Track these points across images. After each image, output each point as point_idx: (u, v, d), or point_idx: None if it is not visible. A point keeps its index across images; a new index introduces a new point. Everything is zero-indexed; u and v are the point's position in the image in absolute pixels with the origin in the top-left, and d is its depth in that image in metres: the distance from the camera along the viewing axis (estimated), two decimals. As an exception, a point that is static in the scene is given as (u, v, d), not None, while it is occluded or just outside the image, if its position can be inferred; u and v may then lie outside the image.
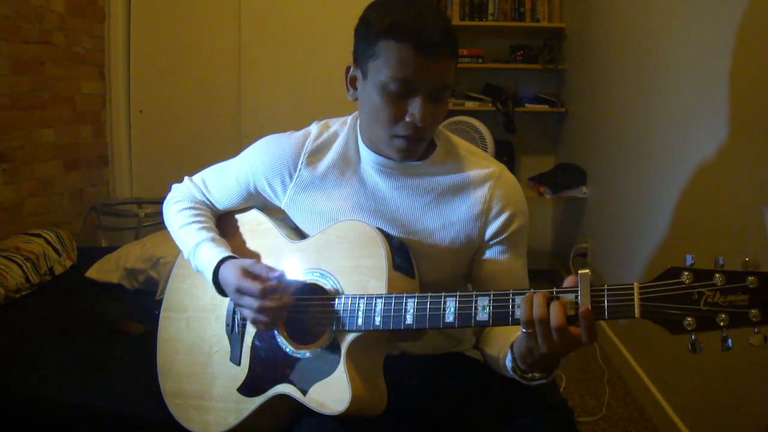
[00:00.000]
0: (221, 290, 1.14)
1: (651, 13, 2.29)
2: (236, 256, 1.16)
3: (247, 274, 1.08)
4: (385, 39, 0.98)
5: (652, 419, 2.12)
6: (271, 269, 1.08)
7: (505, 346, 1.01)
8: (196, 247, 1.18)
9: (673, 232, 2.06)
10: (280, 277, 1.08)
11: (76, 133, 3.04)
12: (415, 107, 1.00)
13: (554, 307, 0.87)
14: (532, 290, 0.90)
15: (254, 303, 1.06)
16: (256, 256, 1.21)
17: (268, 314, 1.06)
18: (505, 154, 3.53)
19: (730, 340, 0.79)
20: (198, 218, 1.23)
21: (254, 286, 1.05)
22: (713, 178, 1.78)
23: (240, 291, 1.08)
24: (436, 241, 1.13)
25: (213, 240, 1.18)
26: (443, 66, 0.99)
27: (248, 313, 1.08)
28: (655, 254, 2.19)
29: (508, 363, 1.00)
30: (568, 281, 0.88)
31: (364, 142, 1.15)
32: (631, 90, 2.51)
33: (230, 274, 1.10)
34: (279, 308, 1.06)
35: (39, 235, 2.32)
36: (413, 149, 1.07)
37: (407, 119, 1.02)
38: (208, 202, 1.29)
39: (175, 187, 1.33)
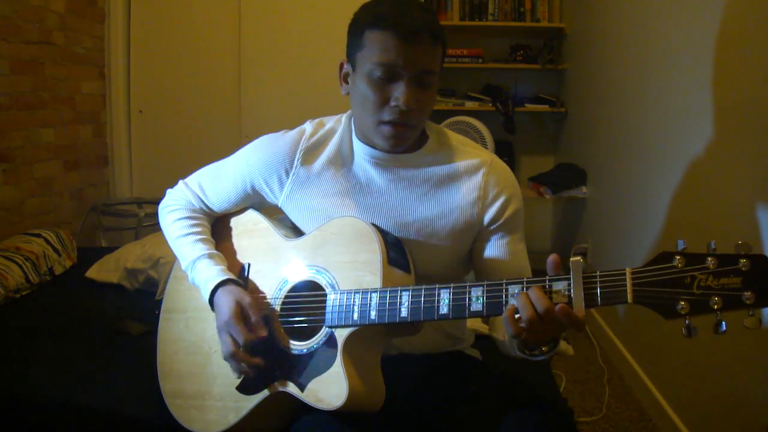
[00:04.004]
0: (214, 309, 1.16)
1: (650, 13, 2.30)
2: (235, 278, 1.17)
3: (240, 315, 1.09)
4: (370, 29, 1.04)
5: (652, 419, 2.12)
6: (257, 321, 1.09)
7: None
8: (194, 263, 1.19)
9: (672, 232, 2.06)
10: (263, 338, 1.08)
11: (76, 133, 3.04)
12: (399, 91, 1.04)
13: (533, 294, 0.89)
14: (524, 279, 0.92)
15: (231, 348, 1.09)
16: (252, 256, 1.22)
17: (238, 362, 1.09)
18: (505, 154, 3.53)
19: (724, 324, 0.79)
20: (195, 229, 1.24)
21: (240, 336, 1.07)
22: (713, 177, 1.78)
23: (227, 328, 1.10)
24: (436, 229, 1.14)
25: (211, 257, 1.19)
26: (424, 51, 1.03)
27: (224, 350, 1.11)
28: (655, 253, 2.19)
29: (515, 348, 1.02)
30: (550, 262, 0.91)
31: (357, 137, 1.17)
32: (630, 90, 2.51)
33: (225, 304, 1.11)
34: (249, 365, 1.08)
35: (39, 235, 2.32)
36: (400, 136, 1.08)
37: (392, 104, 1.05)
38: (205, 207, 1.29)
39: (170, 192, 1.32)
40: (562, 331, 0.91)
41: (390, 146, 1.10)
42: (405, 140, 1.10)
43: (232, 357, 1.09)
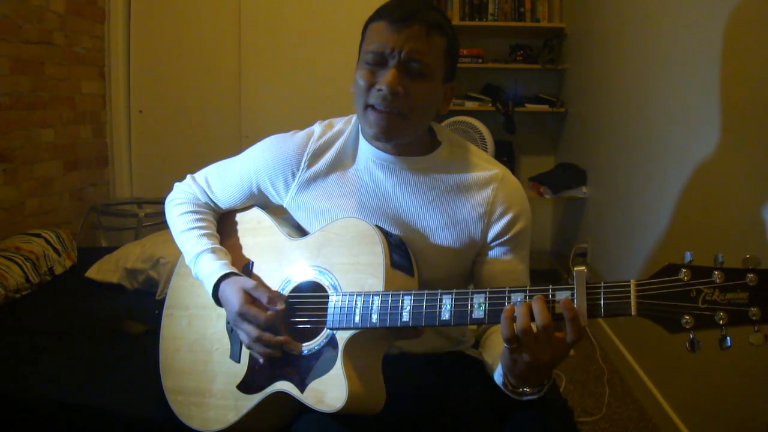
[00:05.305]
0: (219, 303, 1.15)
1: (651, 12, 2.30)
2: (237, 271, 1.16)
3: (250, 300, 1.09)
4: (370, 23, 1.09)
5: (652, 419, 2.12)
6: (271, 297, 1.08)
7: (498, 358, 1.00)
8: (197, 257, 1.18)
9: (673, 232, 2.06)
10: (279, 309, 1.08)
11: (76, 133, 3.04)
12: (383, 74, 1.04)
13: (536, 305, 0.87)
14: (527, 288, 0.91)
15: (254, 333, 1.07)
16: (256, 255, 1.22)
17: (265, 345, 1.07)
18: (505, 154, 3.53)
19: (729, 339, 0.77)
20: (199, 223, 1.24)
21: (258, 317, 1.06)
22: (713, 178, 1.78)
23: (243, 317, 1.08)
24: (438, 239, 1.13)
25: (214, 251, 1.18)
26: (413, 36, 1.03)
27: (246, 339, 1.10)
28: (655, 254, 2.19)
29: (498, 378, 1.01)
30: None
31: (365, 137, 1.15)
32: (631, 90, 2.51)
33: (233, 295, 1.10)
34: (275, 344, 1.07)
35: (39, 235, 2.32)
36: (385, 123, 1.05)
37: (377, 87, 1.04)
38: (211, 202, 1.29)
39: (178, 186, 1.33)
40: (555, 357, 0.88)
41: (376, 135, 1.08)
42: (393, 131, 1.07)
43: (257, 342, 1.07)
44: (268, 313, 1.07)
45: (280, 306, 1.08)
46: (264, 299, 1.08)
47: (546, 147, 3.81)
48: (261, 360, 1.10)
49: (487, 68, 3.57)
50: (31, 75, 2.65)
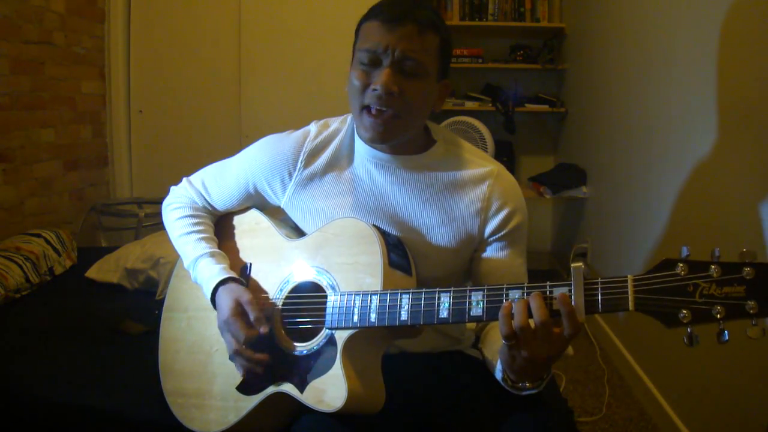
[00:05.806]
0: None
1: (651, 12, 2.30)
2: (236, 276, 1.17)
3: (239, 312, 1.10)
4: (363, 22, 1.09)
5: (652, 419, 2.12)
6: (258, 318, 1.09)
7: (497, 354, 1.01)
8: (196, 261, 1.19)
9: (673, 232, 2.06)
10: (263, 334, 1.08)
11: (76, 133, 3.04)
12: (378, 74, 1.04)
13: (534, 302, 0.87)
14: (525, 285, 0.91)
15: (234, 346, 1.09)
16: (254, 256, 1.22)
17: (243, 359, 1.09)
18: (505, 154, 3.53)
19: (726, 333, 0.78)
20: (197, 227, 1.24)
21: (240, 333, 1.08)
22: (713, 178, 1.78)
23: (227, 326, 1.10)
24: (436, 237, 1.13)
25: (213, 255, 1.19)
26: (405, 36, 1.03)
27: (228, 349, 1.12)
28: (655, 254, 2.19)
29: (498, 374, 1.01)
30: None
31: (361, 139, 1.16)
32: (630, 90, 2.51)
33: (225, 303, 1.11)
34: (253, 361, 1.08)
35: (39, 235, 2.32)
36: (380, 128, 1.06)
37: (371, 88, 1.05)
38: (207, 206, 1.29)
39: (174, 190, 1.32)
40: (553, 352, 0.89)
41: (372, 138, 1.08)
42: (389, 133, 1.07)
43: (235, 354, 1.10)
44: (250, 331, 1.08)
45: (263, 329, 1.08)
46: (251, 316, 1.09)
47: (546, 147, 3.81)
48: (242, 371, 1.11)
49: (487, 68, 3.57)
50: (31, 75, 2.65)
